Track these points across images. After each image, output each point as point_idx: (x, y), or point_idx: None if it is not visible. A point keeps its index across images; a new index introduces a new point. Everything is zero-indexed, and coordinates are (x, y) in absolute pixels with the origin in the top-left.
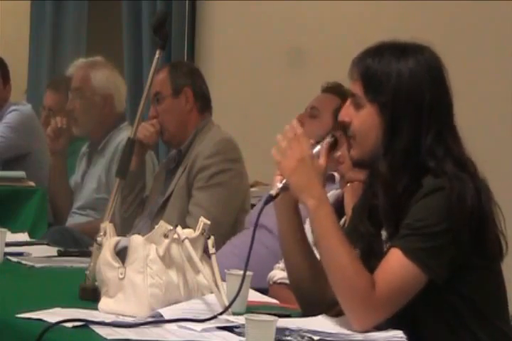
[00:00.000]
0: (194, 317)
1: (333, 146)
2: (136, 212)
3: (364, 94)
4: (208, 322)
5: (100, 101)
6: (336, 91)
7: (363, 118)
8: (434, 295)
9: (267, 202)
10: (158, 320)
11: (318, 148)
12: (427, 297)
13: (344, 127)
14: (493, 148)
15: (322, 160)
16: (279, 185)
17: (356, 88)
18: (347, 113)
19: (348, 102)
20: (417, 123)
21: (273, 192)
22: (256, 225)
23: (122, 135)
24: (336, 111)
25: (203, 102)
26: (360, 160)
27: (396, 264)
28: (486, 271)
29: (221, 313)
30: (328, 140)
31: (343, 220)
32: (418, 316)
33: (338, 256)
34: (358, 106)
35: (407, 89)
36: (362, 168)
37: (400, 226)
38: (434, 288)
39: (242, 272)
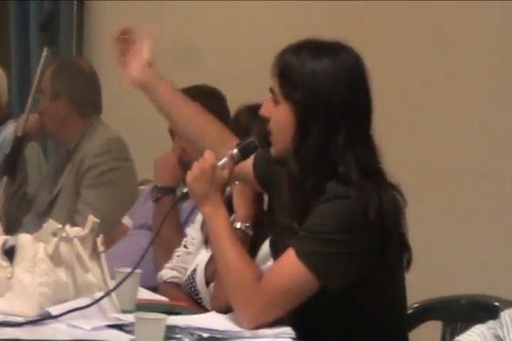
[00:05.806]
0: (83, 315)
1: (242, 158)
2: (23, 210)
3: (280, 91)
4: (97, 320)
5: None
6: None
7: (279, 115)
8: (331, 305)
9: (180, 200)
10: (46, 317)
11: (224, 160)
12: (323, 306)
13: (264, 121)
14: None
15: (226, 172)
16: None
17: (274, 84)
18: (267, 108)
19: (269, 98)
20: (327, 124)
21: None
22: (159, 228)
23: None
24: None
25: (84, 106)
26: (277, 157)
27: (287, 263)
28: (386, 283)
29: (102, 297)
30: (232, 152)
31: (232, 217)
32: (312, 324)
33: (226, 252)
34: (276, 102)
35: (319, 89)
36: (281, 165)
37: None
38: (330, 298)
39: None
